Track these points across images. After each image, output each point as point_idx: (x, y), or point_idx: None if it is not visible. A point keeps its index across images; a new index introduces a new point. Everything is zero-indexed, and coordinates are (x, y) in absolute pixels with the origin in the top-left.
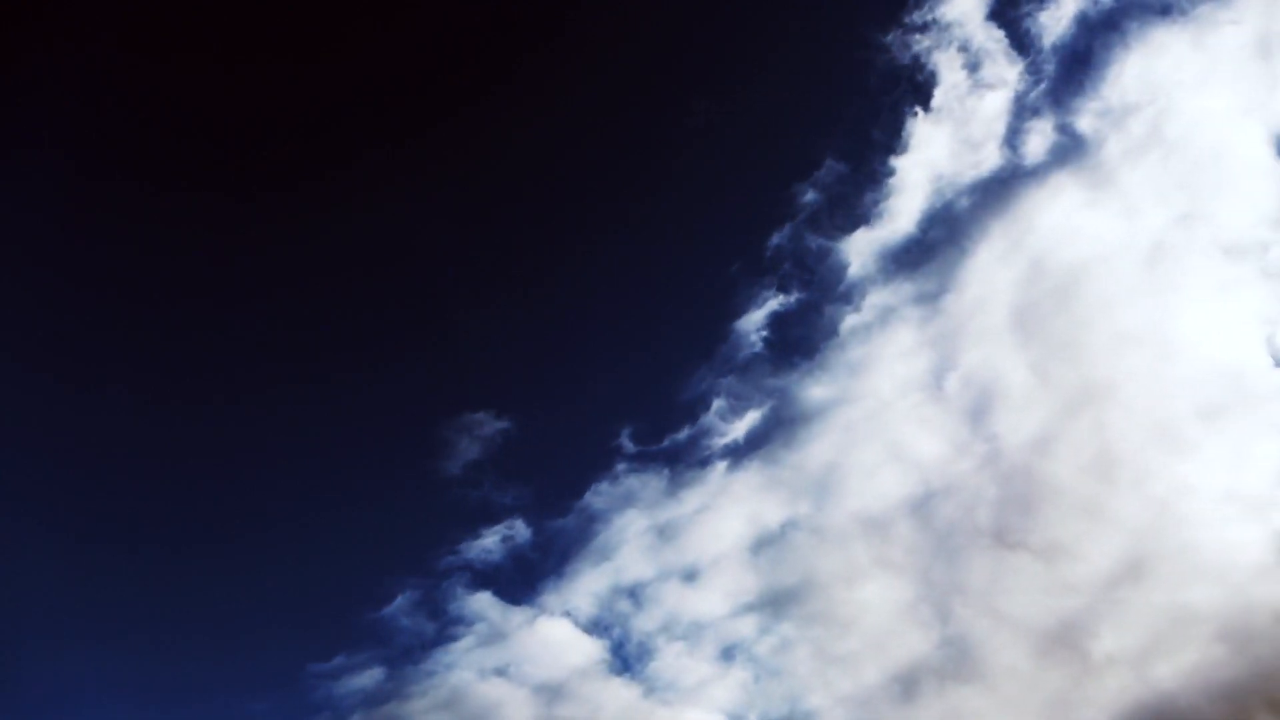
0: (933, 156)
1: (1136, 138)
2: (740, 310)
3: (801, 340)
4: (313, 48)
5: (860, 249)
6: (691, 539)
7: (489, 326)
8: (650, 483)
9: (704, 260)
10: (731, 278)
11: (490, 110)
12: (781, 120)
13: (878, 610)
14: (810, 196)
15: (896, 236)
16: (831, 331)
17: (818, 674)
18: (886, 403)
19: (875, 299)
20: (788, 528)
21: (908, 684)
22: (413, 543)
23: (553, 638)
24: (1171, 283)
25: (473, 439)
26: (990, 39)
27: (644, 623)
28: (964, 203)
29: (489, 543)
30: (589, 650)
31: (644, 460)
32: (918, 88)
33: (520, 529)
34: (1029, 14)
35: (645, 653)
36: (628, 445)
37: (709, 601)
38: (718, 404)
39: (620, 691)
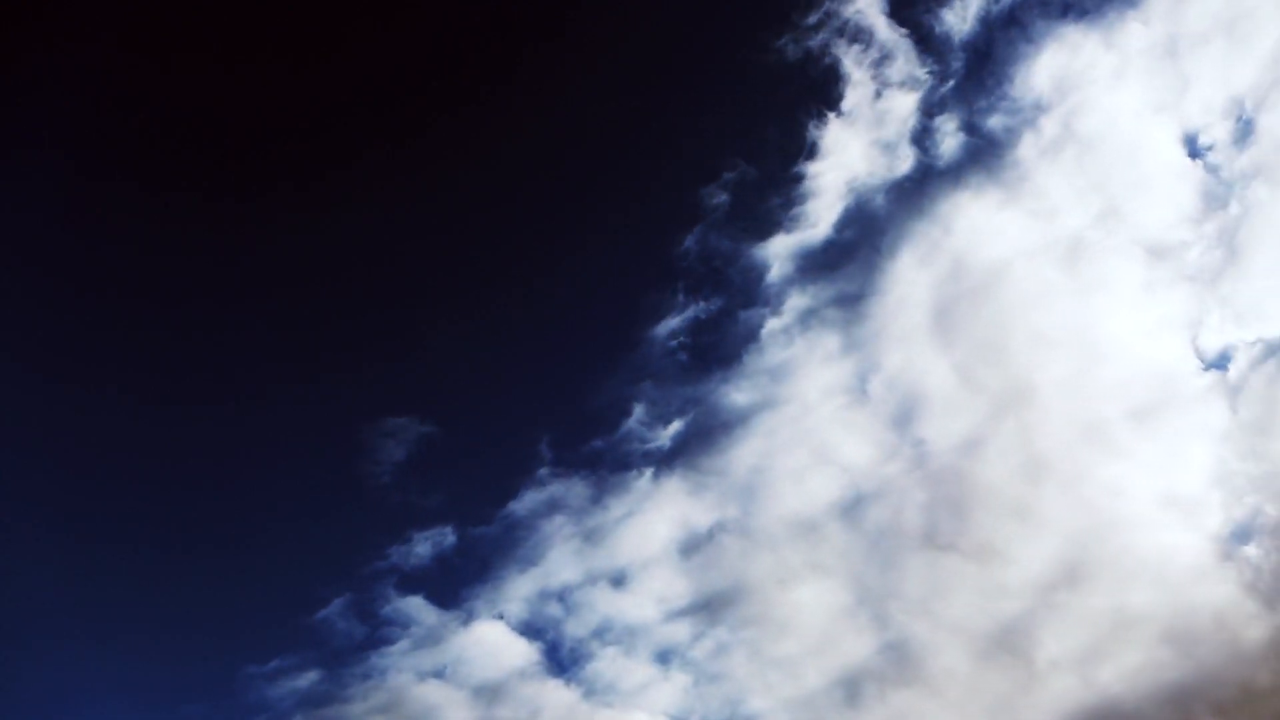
0: (846, 159)
1: (1050, 137)
2: (658, 316)
3: (722, 345)
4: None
5: (778, 253)
6: (619, 544)
7: (410, 331)
8: (575, 488)
9: (621, 267)
10: (648, 284)
11: (404, 119)
12: (690, 124)
13: (815, 614)
14: (722, 200)
15: (814, 240)
16: (752, 336)
17: (758, 677)
18: (811, 407)
19: (795, 303)
20: (716, 532)
21: (850, 687)
22: (344, 547)
23: (487, 640)
24: (1094, 283)
25: (398, 444)
26: (896, 38)
27: (576, 626)
28: (880, 205)
29: (417, 547)
30: (525, 653)
31: (567, 466)
32: (825, 90)
33: (448, 534)
34: (932, 12)
35: (581, 656)
36: (550, 452)
37: (641, 605)
38: (639, 410)
39: (560, 694)
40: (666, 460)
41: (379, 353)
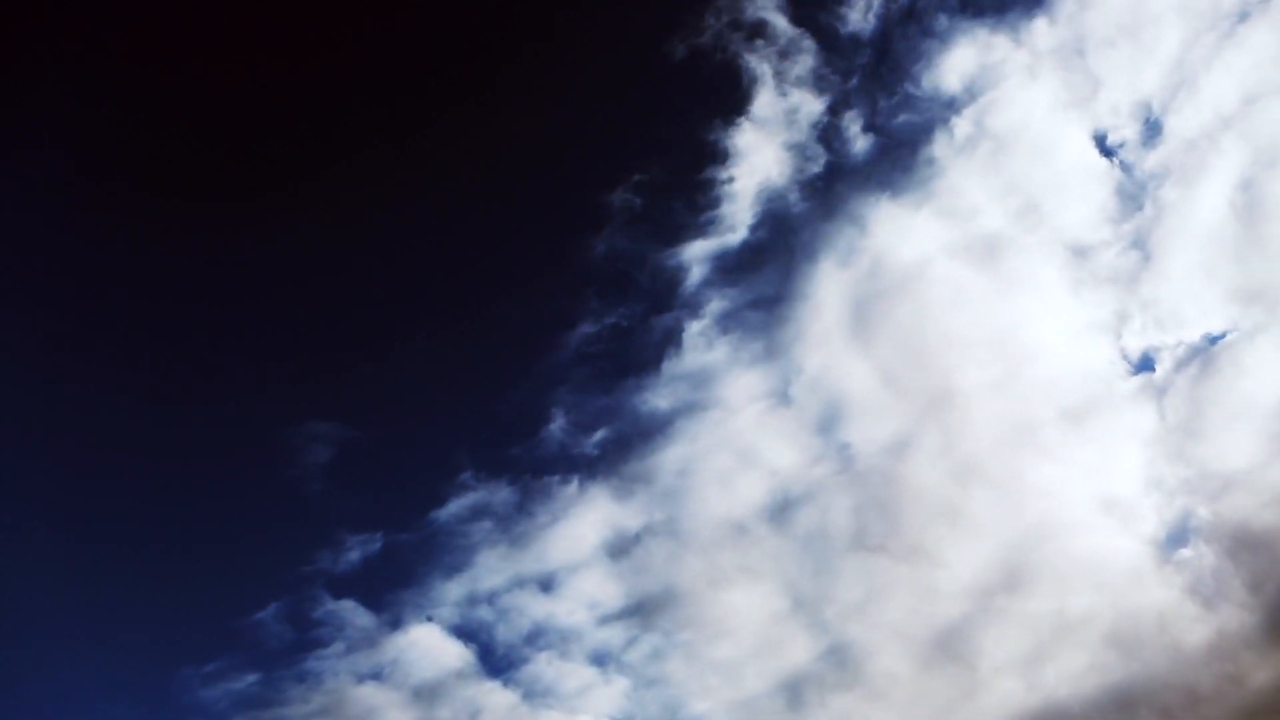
0: (756, 160)
1: (963, 136)
2: (574, 322)
3: (642, 350)
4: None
5: (694, 257)
6: (546, 549)
7: (331, 337)
8: (499, 495)
9: (535, 274)
10: (563, 291)
11: (318, 125)
12: (596, 128)
13: (751, 617)
14: (634, 204)
15: (730, 244)
16: (672, 341)
17: (698, 680)
18: (734, 410)
19: (714, 307)
20: (645, 537)
21: (792, 691)
22: (274, 551)
23: (422, 643)
24: (1015, 283)
25: (322, 449)
26: (799, 37)
27: (508, 630)
28: (794, 207)
29: (346, 552)
30: (460, 655)
31: (490, 473)
32: (731, 91)
33: (376, 539)
34: (835, 11)
35: (516, 659)
36: (472, 459)
37: (572, 610)
38: (560, 416)
39: (500, 695)
40: (590, 466)
41: (301, 357)
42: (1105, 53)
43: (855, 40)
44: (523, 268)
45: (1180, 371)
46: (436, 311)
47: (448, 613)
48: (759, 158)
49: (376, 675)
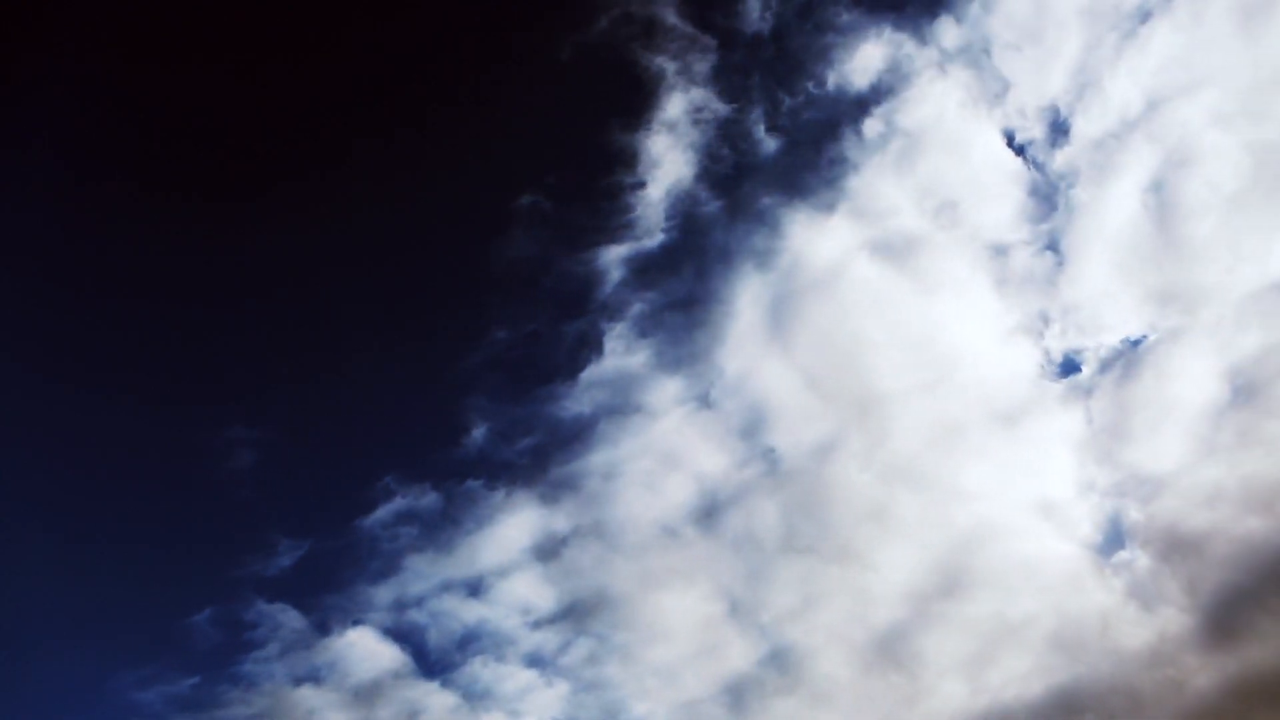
0: (667, 162)
1: (875, 134)
2: (492, 328)
3: (562, 356)
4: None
5: (610, 261)
6: (474, 554)
7: (258, 342)
8: (424, 501)
9: (451, 281)
10: (479, 297)
11: (224, 130)
12: (505, 133)
13: (687, 621)
14: (547, 208)
15: (644, 247)
16: (592, 346)
17: (637, 683)
18: (657, 414)
19: (632, 311)
20: (573, 541)
21: (734, 694)
22: (205, 555)
23: (357, 646)
24: (934, 284)
25: (247, 454)
26: (701, 38)
27: (441, 634)
28: (706, 209)
29: (276, 556)
30: (396, 658)
31: (414, 479)
32: (638, 92)
33: (304, 543)
34: (737, 12)
35: (451, 663)
36: (397, 465)
37: (504, 613)
38: (482, 422)
39: (439, 698)
40: (514, 471)
41: (224, 363)
42: (1010, 54)
43: (755, 39)
44: (434, 274)
45: (1104, 374)
46: (353, 318)
47: (379, 617)
48: (667, 159)
49: (313, 677)
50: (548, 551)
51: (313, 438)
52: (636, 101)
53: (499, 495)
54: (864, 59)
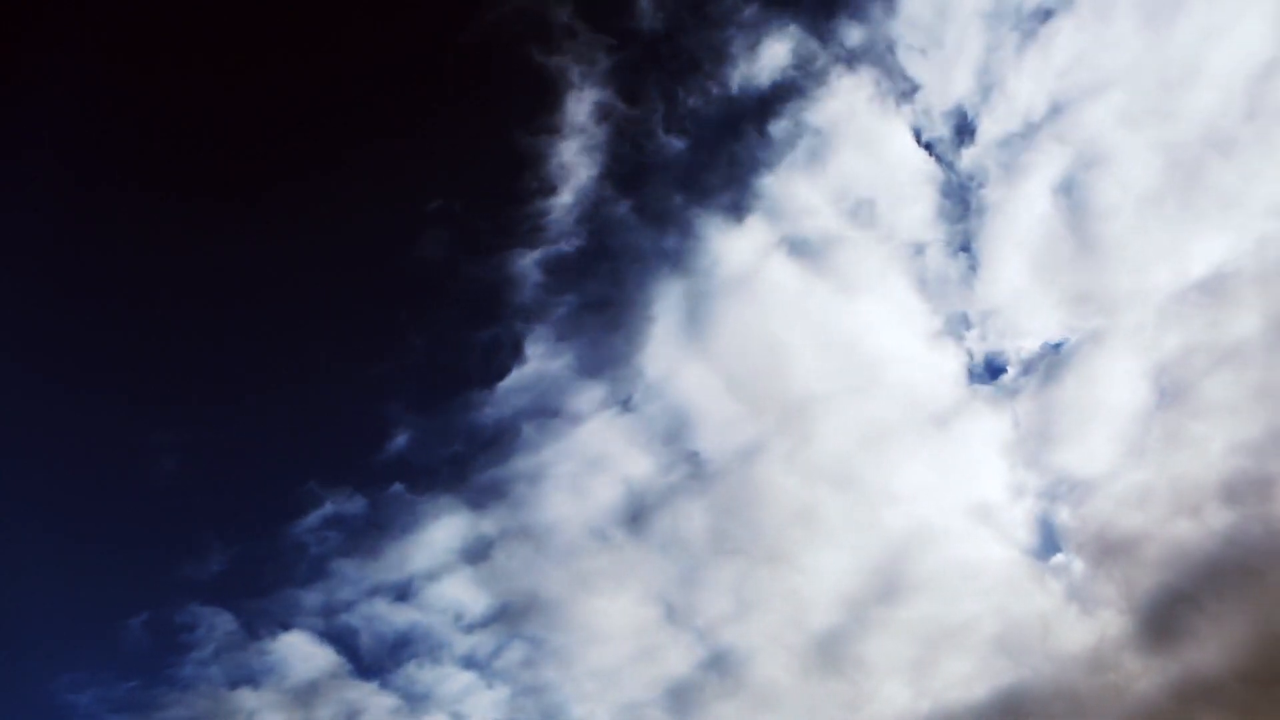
0: (573, 164)
1: (784, 133)
2: (408, 333)
3: (482, 360)
4: None
5: (525, 265)
6: (403, 558)
7: (182, 345)
8: (349, 506)
9: (366, 285)
10: (394, 303)
11: (148, 125)
12: (419, 139)
13: (625, 624)
14: (456, 210)
15: (557, 251)
16: (512, 350)
17: (577, 687)
18: (580, 418)
19: (551, 315)
20: (501, 545)
21: (676, 698)
22: (137, 559)
23: (291, 649)
24: (851, 285)
25: (175, 456)
26: (597, 38)
27: (374, 638)
28: (615, 210)
29: (207, 560)
30: (331, 660)
31: (339, 484)
32: (540, 95)
33: (233, 547)
34: (630, 9)
35: (386, 665)
36: (321, 471)
37: (436, 617)
38: (404, 427)
39: (378, 699)
40: (438, 475)
41: (150, 365)
42: (914, 55)
43: (651, 37)
44: (349, 280)
45: (1028, 377)
46: (273, 322)
47: (311, 621)
48: (574, 161)
49: (250, 680)
50: (477, 555)
51: (237, 443)
52: (537, 103)
53: (424, 500)
54: (767, 57)
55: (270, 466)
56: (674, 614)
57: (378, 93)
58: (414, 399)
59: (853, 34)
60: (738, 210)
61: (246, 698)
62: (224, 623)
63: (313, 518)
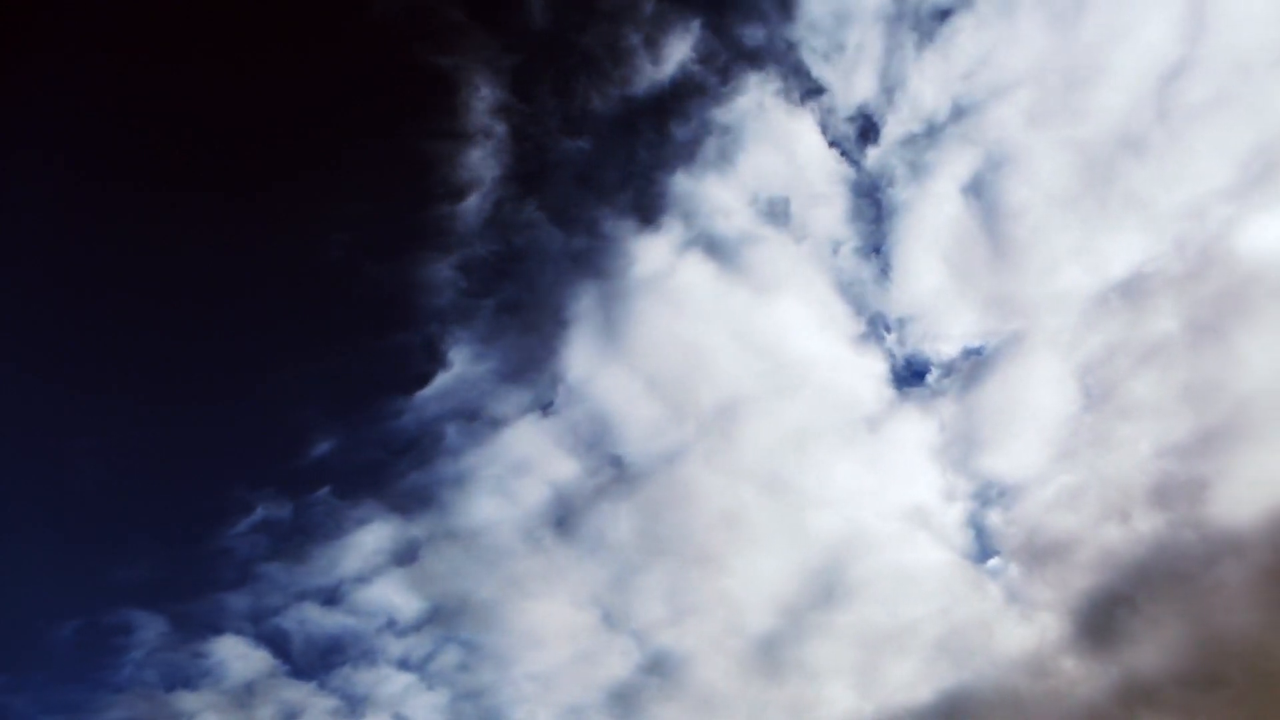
0: (483, 169)
1: (690, 132)
2: (332, 339)
3: (405, 365)
4: None
5: (441, 270)
6: (331, 562)
7: (105, 350)
8: (276, 511)
9: (285, 293)
10: (314, 310)
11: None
12: (323, 141)
13: (561, 627)
14: (368, 218)
15: (476, 255)
16: (432, 355)
17: (515, 689)
18: (503, 422)
19: (468, 320)
20: (430, 549)
21: (618, 701)
22: (66, 564)
23: (225, 652)
24: (768, 285)
25: (99, 462)
26: (486, 38)
27: (306, 641)
28: (528, 214)
29: (136, 564)
30: (267, 662)
31: (265, 489)
32: (443, 97)
33: (162, 552)
34: (522, 7)
35: (320, 668)
36: (246, 477)
37: (366, 620)
38: (326, 432)
39: (318, 700)
40: (363, 480)
41: (72, 370)
42: (816, 56)
43: (544, 36)
44: (264, 285)
45: (951, 380)
46: (197, 328)
47: (242, 624)
48: (478, 164)
49: (187, 682)
50: (406, 559)
51: (165, 447)
52: (434, 103)
53: (349, 505)
54: (668, 55)
55: (198, 471)
56: (610, 617)
57: (273, 98)
58: (334, 405)
59: (754, 34)
60: (648, 209)
61: (185, 699)
62: (157, 626)
63: (241, 523)
